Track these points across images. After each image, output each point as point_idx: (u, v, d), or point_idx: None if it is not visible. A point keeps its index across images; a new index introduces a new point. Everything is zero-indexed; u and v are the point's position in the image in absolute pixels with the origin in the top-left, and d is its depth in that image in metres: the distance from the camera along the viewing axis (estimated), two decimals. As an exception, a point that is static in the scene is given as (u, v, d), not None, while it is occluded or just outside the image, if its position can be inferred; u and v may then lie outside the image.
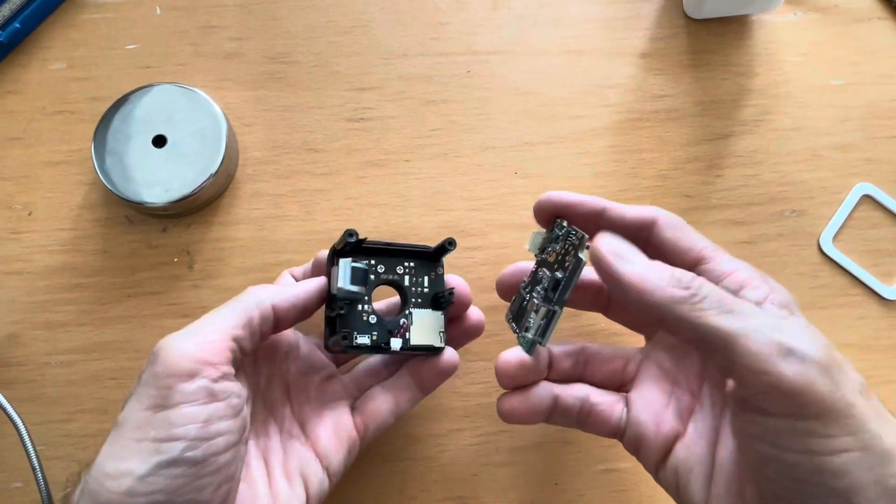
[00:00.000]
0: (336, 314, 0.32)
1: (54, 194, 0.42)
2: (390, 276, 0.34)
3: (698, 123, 0.44)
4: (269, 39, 0.44)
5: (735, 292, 0.27)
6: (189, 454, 0.25)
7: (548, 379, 0.33)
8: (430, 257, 0.35)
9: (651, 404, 0.31)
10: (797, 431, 0.24)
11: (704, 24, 0.45)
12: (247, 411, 0.29)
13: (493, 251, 0.41)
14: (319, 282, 0.32)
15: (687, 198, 0.42)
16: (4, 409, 0.35)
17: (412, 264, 0.34)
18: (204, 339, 0.27)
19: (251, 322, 0.29)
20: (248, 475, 0.30)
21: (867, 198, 0.43)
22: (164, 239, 0.41)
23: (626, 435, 0.32)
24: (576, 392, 0.32)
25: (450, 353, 0.34)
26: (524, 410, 0.32)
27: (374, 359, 0.36)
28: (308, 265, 0.35)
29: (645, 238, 0.30)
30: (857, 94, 0.44)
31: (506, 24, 0.45)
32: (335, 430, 0.32)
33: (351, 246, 0.32)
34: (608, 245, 0.28)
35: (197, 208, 0.41)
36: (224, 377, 0.27)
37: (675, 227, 0.30)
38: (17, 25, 0.43)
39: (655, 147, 0.43)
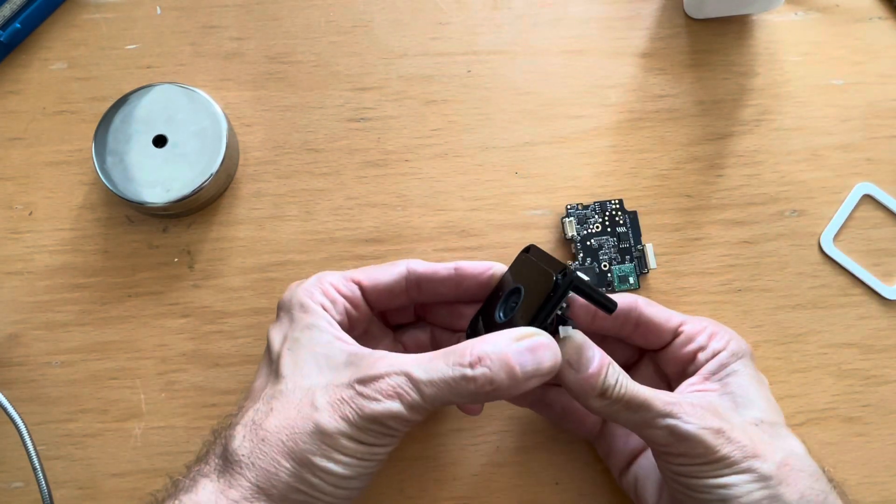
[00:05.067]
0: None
1: (55, 194, 0.42)
2: None
3: (699, 123, 0.44)
4: (270, 39, 0.44)
5: (707, 343, 0.34)
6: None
7: None
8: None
9: None
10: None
11: (705, 24, 0.45)
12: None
13: (493, 251, 0.41)
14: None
15: (687, 198, 0.42)
16: (5, 409, 0.35)
17: None
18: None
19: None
20: None
21: (868, 198, 0.43)
22: (164, 239, 0.41)
23: (599, 440, 0.37)
24: (561, 392, 0.35)
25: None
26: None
27: (418, 325, 0.38)
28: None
29: (635, 319, 0.35)
30: (858, 94, 0.44)
31: (506, 24, 0.45)
32: None
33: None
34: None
35: (197, 208, 0.41)
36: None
37: (652, 304, 0.35)
38: (18, 25, 0.43)
39: (656, 147, 0.43)
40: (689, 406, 0.30)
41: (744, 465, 0.29)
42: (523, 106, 0.44)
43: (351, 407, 0.28)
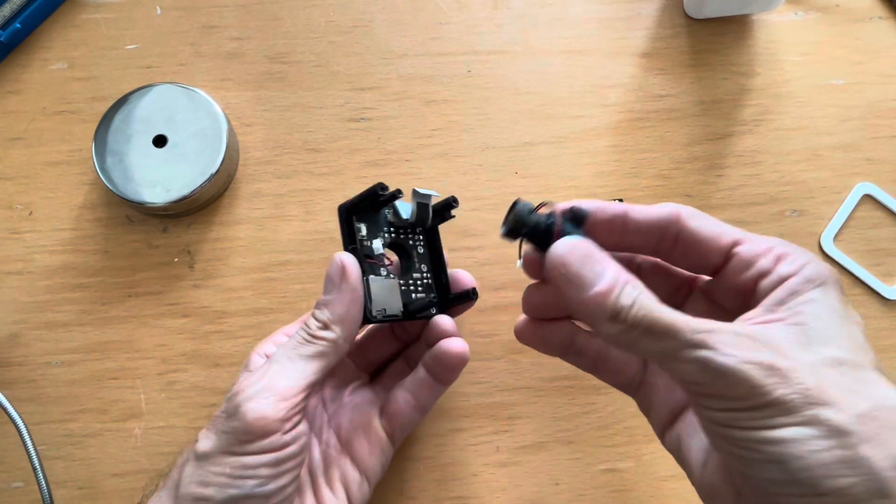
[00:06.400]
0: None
1: (55, 194, 0.42)
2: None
3: (699, 123, 0.44)
4: (270, 39, 0.44)
5: (771, 267, 0.26)
6: (258, 490, 0.28)
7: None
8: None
9: None
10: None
11: (705, 24, 0.45)
12: (308, 441, 0.31)
13: (494, 251, 0.41)
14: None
15: (687, 198, 0.42)
16: (5, 409, 0.35)
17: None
18: (280, 396, 0.29)
19: (328, 367, 0.30)
20: (299, 489, 0.32)
21: (868, 197, 0.43)
22: (164, 239, 0.41)
23: (639, 392, 0.31)
24: (592, 338, 0.31)
25: (458, 344, 0.33)
26: (537, 339, 0.32)
27: (399, 363, 0.37)
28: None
29: (674, 234, 0.29)
30: (858, 94, 0.44)
31: (506, 23, 0.45)
32: (367, 437, 0.34)
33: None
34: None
35: (197, 208, 0.41)
36: (295, 426, 0.29)
37: (699, 217, 0.29)
38: (18, 25, 0.43)
39: (656, 147, 0.43)
40: (730, 335, 0.23)
41: (808, 413, 0.21)
42: (523, 106, 0.44)
43: (220, 419, 0.28)
